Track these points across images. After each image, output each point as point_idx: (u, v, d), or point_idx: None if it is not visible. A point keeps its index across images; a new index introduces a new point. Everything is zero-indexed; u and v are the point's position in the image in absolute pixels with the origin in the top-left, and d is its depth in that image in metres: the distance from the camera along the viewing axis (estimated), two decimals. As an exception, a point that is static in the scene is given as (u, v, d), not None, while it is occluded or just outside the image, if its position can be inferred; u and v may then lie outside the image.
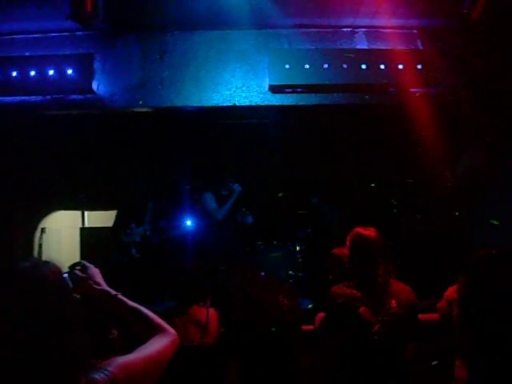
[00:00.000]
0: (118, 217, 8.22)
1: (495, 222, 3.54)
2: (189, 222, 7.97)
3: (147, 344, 2.25)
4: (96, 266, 6.59)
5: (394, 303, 3.79)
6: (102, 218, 8.90)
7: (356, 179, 7.50)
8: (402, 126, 5.97)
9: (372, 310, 3.77)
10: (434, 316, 4.39)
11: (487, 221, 5.86)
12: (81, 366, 1.81)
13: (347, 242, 4.09)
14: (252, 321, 4.11)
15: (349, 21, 6.08)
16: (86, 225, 9.15)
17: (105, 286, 2.49)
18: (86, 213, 9.19)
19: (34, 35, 6.14)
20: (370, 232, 3.95)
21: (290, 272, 7.68)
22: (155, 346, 2.25)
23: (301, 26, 6.14)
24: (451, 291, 4.10)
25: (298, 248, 7.90)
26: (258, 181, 7.61)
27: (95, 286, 2.48)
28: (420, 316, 4.55)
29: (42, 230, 8.12)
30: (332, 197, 7.94)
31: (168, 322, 4.52)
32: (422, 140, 6.05)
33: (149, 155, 7.51)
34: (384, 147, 6.80)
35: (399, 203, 7.42)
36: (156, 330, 2.35)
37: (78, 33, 6.11)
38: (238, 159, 7.34)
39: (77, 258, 8.12)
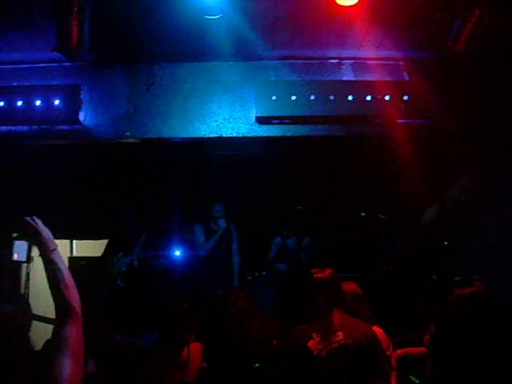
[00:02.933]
0: (107, 247, 8.15)
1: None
2: (177, 253, 7.90)
3: (65, 336, 2.21)
4: (84, 297, 6.49)
5: (340, 335, 3.85)
6: (91, 248, 8.82)
7: (343, 210, 7.48)
8: (388, 157, 5.97)
9: (320, 343, 3.85)
10: (418, 349, 4.33)
11: (472, 251, 5.89)
12: None
13: None
14: (237, 354, 4.06)
15: (335, 52, 6.11)
16: (75, 254, 9.07)
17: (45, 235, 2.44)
18: (74, 242, 9.11)
19: (22, 65, 6.14)
20: (317, 271, 4.16)
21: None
22: (73, 337, 2.22)
23: (287, 57, 6.18)
24: None
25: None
26: (245, 211, 7.56)
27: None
28: (406, 350, 4.53)
29: (30, 259, 8.04)
30: (317, 227, 7.91)
31: (147, 360, 4.46)
32: (408, 171, 6.03)
33: (136, 186, 7.47)
34: (371, 178, 6.78)
35: (385, 234, 7.40)
36: (66, 313, 2.30)
37: (65, 64, 6.11)
38: (226, 190, 7.30)
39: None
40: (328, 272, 4.16)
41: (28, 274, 7.99)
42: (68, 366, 2.09)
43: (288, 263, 7.83)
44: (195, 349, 4.45)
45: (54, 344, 2.20)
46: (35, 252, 8.13)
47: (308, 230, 7.93)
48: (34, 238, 2.40)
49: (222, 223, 7.30)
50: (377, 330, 4.25)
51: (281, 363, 3.97)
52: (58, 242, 6.82)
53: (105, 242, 8.34)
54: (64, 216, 7.69)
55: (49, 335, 2.30)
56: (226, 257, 7.41)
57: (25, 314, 3.38)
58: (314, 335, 3.88)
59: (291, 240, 7.89)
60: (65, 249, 8.97)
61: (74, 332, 2.23)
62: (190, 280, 7.19)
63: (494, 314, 2.21)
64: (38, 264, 8.09)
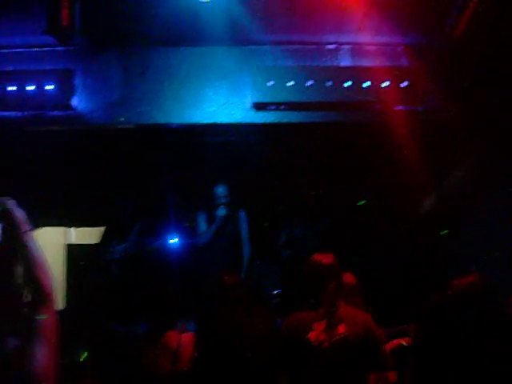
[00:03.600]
0: (103, 235, 8.11)
1: None
2: (173, 241, 7.84)
3: (38, 323, 2.15)
4: (82, 285, 6.46)
5: (342, 328, 3.76)
6: (89, 235, 8.77)
7: (339, 198, 7.40)
8: (387, 143, 5.89)
9: (321, 334, 3.75)
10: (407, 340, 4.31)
11: (464, 246, 5.81)
12: None
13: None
14: (225, 345, 4.07)
15: (333, 37, 6.01)
16: (73, 241, 9.03)
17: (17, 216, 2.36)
18: (72, 229, 9.06)
19: (14, 50, 6.04)
20: (322, 257, 4.02)
21: (277, 291, 7.55)
22: (47, 322, 2.16)
23: (284, 42, 6.07)
24: None
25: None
26: (240, 198, 7.47)
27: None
28: (394, 342, 4.48)
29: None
30: (312, 215, 7.83)
31: (139, 348, 4.44)
32: (406, 158, 5.96)
33: (131, 172, 7.40)
34: (368, 166, 6.70)
35: (380, 223, 7.31)
36: (40, 299, 2.23)
37: (58, 48, 6.01)
38: (222, 177, 7.19)
39: (62, 276, 8.00)
40: (331, 258, 4.05)
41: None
42: (41, 354, 2.03)
43: (293, 250, 7.75)
44: (187, 339, 4.43)
45: (27, 330, 2.14)
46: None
47: (310, 218, 7.86)
48: (6, 219, 2.31)
49: (221, 211, 7.12)
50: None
51: (278, 351, 3.95)
52: (54, 229, 6.79)
53: (101, 229, 8.29)
54: (59, 203, 7.65)
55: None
56: (229, 245, 7.23)
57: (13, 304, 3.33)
58: (315, 326, 3.79)
59: (298, 228, 7.80)
60: (61, 236, 8.93)
61: (47, 318, 2.16)
62: (186, 268, 7.12)
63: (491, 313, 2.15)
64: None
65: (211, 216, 7.11)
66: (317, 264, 4.01)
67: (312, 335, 3.77)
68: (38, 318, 2.19)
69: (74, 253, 8.49)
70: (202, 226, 7.14)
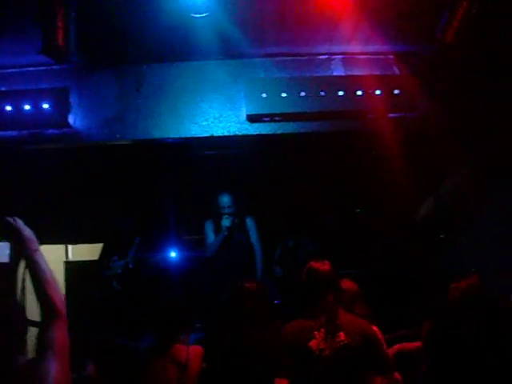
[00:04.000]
0: (102, 251, 8.11)
1: None
2: (173, 254, 7.86)
3: (50, 338, 2.18)
4: (81, 301, 6.46)
5: (342, 335, 3.79)
6: (86, 252, 8.77)
7: (334, 208, 7.44)
8: (380, 151, 5.95)
9: (322, 342, 3.78)
10: (413, 344, 4.34)
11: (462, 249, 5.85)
12: None
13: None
14: (237, 357, 4.08)
15: (324, 48, 6.08)
16: (70, 258, 9.02)
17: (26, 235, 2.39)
18: (70, 246, 9.05)
19: (10, 70, 6.09)
20: (320, 265, 4.07)
21: (276, 301, 7.58)
22: (58, 338, 2.18)
23: (276, 54, 6.15)
24: None
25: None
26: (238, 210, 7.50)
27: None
28: (403, 345, 4.52)
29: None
30: (309, 226, 7.85)
31: (147, 362, 4.44)
32: (400, 166, 6.01)
33: (129, 187, 7.43)
34: (364, 173, 6.75)
35: (377, 231, 7.36)
36: (51, 314, 2.26)
37: (53, 67, 6.05)
38: (219, 189, 7.22)
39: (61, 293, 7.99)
40: (328, 265, 4.08)
41: (24, 280, 7.93)
42: (53, 369, 2.05)
43: (286, 265, 7.70)
44: (195, 352, 4.41)
45: (39, 347, 2.17)
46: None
47: (305, 229, 7.87)
48: (15, 238, 2.35)
49: (226, 222, 6.94)
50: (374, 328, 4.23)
51: (279, 359, 3.97)
52: (53, 246, 6.80)
53: (100, 245, 8.30)
54: (57, 220, 7.65)
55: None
56: (239, 255, 7.11)
57: (17, 321, 3.34)
58: (316, 334, 3.82)
59: (291, 240, 7.78)
60: (60, 253, 8.92)
61: (59, 334, 2.19)
62: (191, 280, 7.09)
63: (490, 310, 2.19)
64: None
65: (218, 227, 7.06)
66: (315, 272, 4.05)
67: (313, 343, 3.79)
68: (50, 333, 2.22)
69: (72, 269, 8.48)
70: (210, 237, 7.08)
